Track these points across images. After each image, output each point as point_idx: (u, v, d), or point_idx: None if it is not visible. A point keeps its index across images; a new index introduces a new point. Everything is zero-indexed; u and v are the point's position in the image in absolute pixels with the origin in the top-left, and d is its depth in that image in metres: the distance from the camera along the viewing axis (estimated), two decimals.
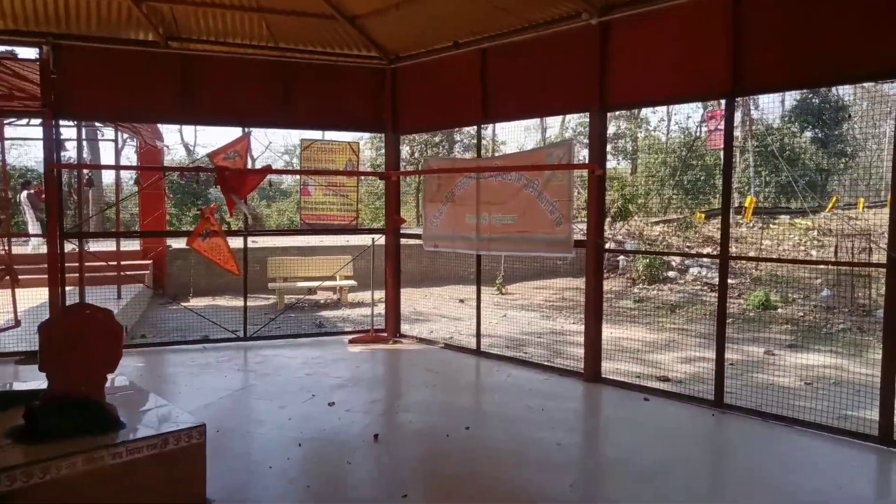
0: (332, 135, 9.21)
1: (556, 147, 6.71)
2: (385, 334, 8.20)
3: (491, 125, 24.10)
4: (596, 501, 3.96)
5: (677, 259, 14.46)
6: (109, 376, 3.70)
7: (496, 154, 18.77)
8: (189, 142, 34.47)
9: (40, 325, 3.53)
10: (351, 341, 7.96)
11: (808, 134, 25.00)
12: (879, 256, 8.20)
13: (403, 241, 8.47)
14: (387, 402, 5.79)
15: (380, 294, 8.61)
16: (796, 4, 4.94)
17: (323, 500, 3.88)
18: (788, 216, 18.30)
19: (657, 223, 17.48)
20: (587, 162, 6.24)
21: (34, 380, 4.02)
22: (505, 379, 6.46)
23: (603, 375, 6.28)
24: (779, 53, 5.02)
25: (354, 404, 5.55)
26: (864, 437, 4.73)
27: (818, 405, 5.27)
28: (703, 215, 17.17)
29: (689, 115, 33.27)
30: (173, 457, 3.42)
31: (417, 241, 7.98)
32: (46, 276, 6.92)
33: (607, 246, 14.11)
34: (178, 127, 32.50)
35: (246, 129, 7.66)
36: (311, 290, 12.38)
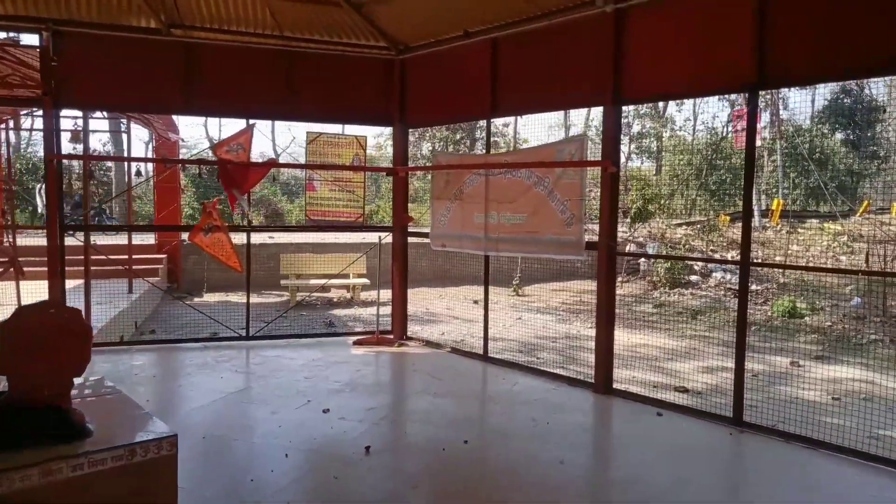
0: (338, 128, 8.95)
1: (567, 143, 6.29)
2: (391, 336, 7.91)
3: (513, 123, 23.90)
4: None
5: (700, 263, 13.98)
6: (78, 380, 3.47)
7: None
8: (214, 136, 34.54)
9: None
10: (355, 343, 7.69)
11: (839, 135, 24.27)
12: None
13: (415, 240, 8.18)
14: (384, 411, 5.49)
15: (388, 294, 8.33)
16: None
17: None
18: (818, 220, 17.73)
19: (680, 225, 16.99)
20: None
21: None
22: (511, 388, 6.14)
23: (616, 385, 5.92)
24: (808, 43, 4.61)
25: (350, 412, 5.27)
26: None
27: (846, 422, 4.89)
28: (727, 218, 16.60)
29: (715, 115, 32.64)
30: (141, 469, 3.15)
31: (427, 240, 7.66)
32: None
33: (626, 248, 13.95)
34: (202, 120, 32.59)
35: (249, 122, 7.41)
36: (325, 288, 12.18)
